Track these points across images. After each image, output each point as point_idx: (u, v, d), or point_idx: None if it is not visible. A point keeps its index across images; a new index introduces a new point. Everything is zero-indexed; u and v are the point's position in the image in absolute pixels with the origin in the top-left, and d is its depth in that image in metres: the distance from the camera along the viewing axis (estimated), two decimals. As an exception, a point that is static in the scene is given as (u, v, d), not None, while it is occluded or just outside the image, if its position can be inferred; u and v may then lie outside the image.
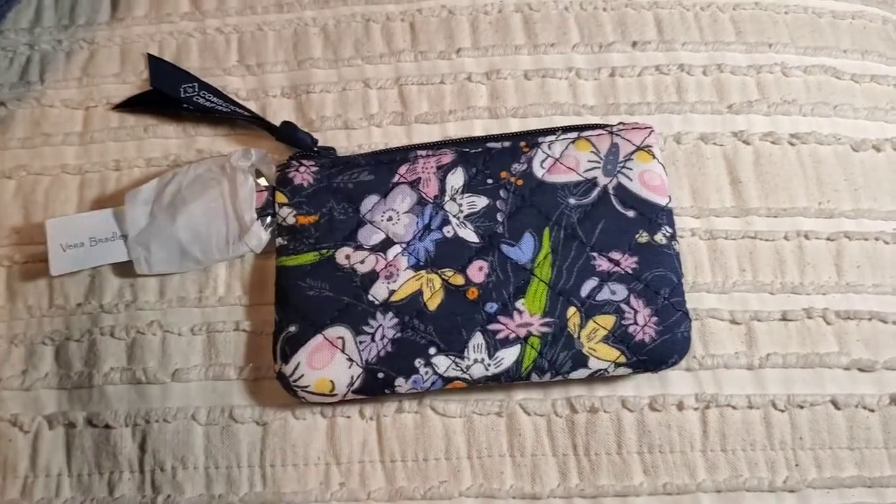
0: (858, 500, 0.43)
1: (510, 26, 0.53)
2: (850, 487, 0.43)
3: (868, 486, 0.43)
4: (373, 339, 0.42)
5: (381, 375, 0.42)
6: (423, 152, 0.47)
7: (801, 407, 0.44)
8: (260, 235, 0.46)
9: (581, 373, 0.42)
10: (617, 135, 0.46)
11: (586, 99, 0.51)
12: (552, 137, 0.46)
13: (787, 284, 0.47)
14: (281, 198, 0.46)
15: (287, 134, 0.48)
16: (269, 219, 0.46)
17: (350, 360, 0.42)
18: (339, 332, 0.43)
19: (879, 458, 0.44)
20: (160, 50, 0.54)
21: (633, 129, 0.46)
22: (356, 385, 0.42)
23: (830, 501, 0.43)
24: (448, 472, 0.44)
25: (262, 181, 0.47)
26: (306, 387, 0.42)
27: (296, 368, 0.42)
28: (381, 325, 0.43)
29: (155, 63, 0.52)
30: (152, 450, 0.44)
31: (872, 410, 0.44)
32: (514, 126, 0.50)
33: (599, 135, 0.46)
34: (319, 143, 0.48)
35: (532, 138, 0.47)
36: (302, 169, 0.46)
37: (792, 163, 0.49)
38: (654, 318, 0.42)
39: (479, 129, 0.50)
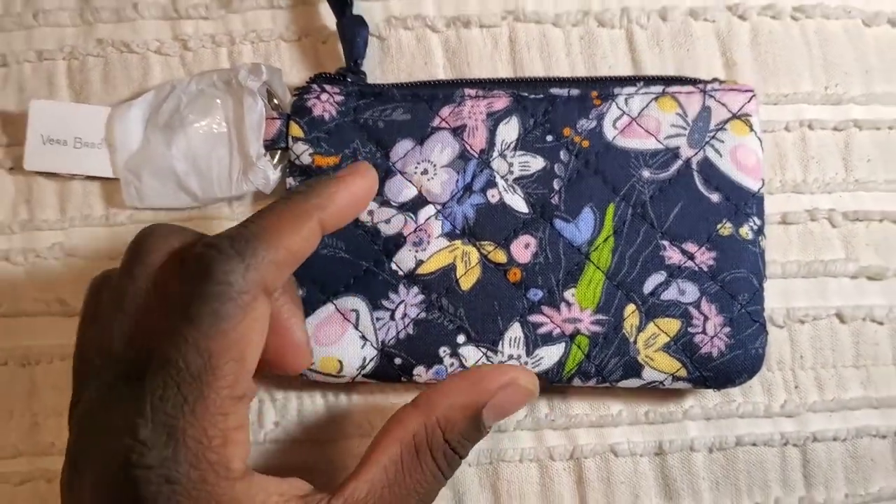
0: (864, 422, 0.39)
1: None
2: (855, 409, 0.39)
3: (874, 406, 0.39)
4: (392, 317, 0.36)
5: (398, 361, 0.36)
6: (472, 91, 0.38)
7: (802, 322, 0.39)
8: (267, 173, 0.38)
9: (632, 382, 0.36)
10: (711, 95, 0.38)
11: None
12: (632, 89, 0.38)
13: (787, 182, 0.41)
14: (296, 130, 0.38)
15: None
16: (279, 154, 0.39)
17: (364, 338, 0.36)
18: (353, 303, 0.36)
19: (887, 376, 0.39)
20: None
21: (732, 90, 0.38)
22: (368, 369, 0.36)
23: (832, 425, 0.39)
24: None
25: (276, 106, 0.39)
26: (310, 364, 0.36)
27: (300, 341, 0.36)
28: (403, 301, 0.36)
29: None
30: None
31: (881, 323, 0.40)
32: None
33: (689, 93, 0.38)
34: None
35: (606, 87, 0.38)
36: (324, 97, 0.38)
37: (795, 41, 0.42)
38: (727, 329, 0.35)
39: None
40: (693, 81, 0.38)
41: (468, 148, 0.38)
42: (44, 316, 0.40)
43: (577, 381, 0.36)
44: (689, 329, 0.35)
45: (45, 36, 0.42)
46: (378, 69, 0.42)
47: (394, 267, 0.37)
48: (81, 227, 0.40)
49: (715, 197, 0.36)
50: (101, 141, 0.40)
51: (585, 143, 0.37)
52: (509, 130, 0.38)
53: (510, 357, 0.36)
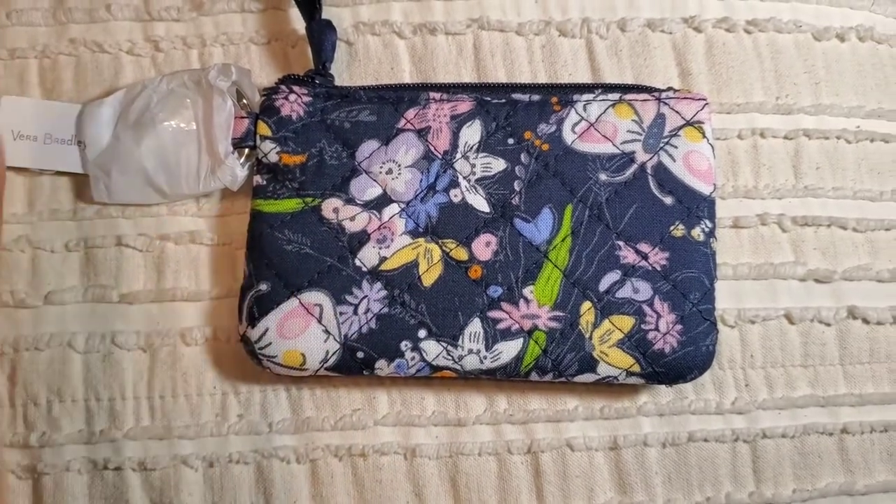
0: (811, 420, 0.40)
1: None
2: (803, 407, 0.41)
3: (821, 405, 0.41)
4: (355, 312, 0.37)
5: (360, 355, 0.37)
6: (437, 95, 0.40)
7: (753, 322, 0.41)
8: (235, 171, 0.39)
9: (587, 377, 0.37)
10: (665, 103, 0.39)
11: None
12: (590, 96, 0.39)
13: (739, 188, 0.42)
14: (264, 129, 0.39)
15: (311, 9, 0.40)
16: (247, 152, 0.40)
17: (327, 332, 0.37)
18: (317, 297, 0.37)
19: (834, 376, 0.41)
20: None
21: (685, 98, 0.39)
22: (330, 362, 0.37)
23: (781, 423, 0.40)
24: (362, 401, 0.40)
25: (244, 106, 0.40)
26: (273, 357, 0.37)
27: (263, 334, 0.37)
28: (366, 296, 0.37)
29: None
30: (23, 382, 0.39)
31: (828, 325, 0.41)
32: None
33: (645, 101, 0.39)
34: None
35: (566, 94, 0.40)
36: (292, 97, 0.39)
37: (748, 53, 0.44)
38: (678, 327, 0.36)
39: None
40: (649, 90, 0.40)
41: (432, 149, 0.39)
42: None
43: (534, 376, 0.37)
44: (643, 326, 0.37)
45: (17, 35, 0.43)
46: (346, 73, 0.43)
47: (358, 263, 0.37)
48: (49, 220, 0.41)
49: (668, 200, 0.38)
50: (71, 137, 0.40)
51: (545, 147, 0.39)
52: (472, 133, 0.39)
53: (470, 351, 0.37)
